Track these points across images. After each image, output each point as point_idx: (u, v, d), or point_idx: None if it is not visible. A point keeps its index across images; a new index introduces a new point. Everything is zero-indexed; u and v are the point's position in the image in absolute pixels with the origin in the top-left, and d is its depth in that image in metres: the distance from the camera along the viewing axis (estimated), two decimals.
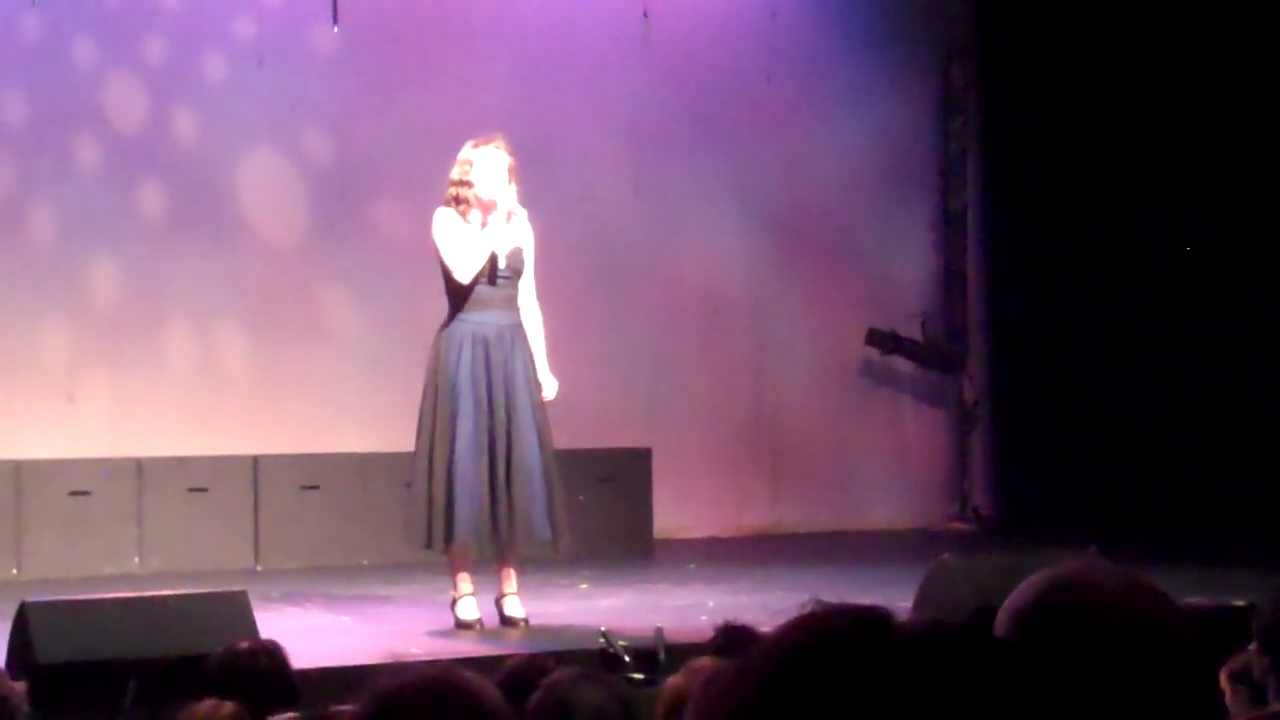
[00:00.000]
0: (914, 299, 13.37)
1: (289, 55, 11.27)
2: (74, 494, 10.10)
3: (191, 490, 10.37)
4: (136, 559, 10.19)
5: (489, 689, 2.29)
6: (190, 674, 4.46)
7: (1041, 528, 11.42)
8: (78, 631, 5.84)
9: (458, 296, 7.44)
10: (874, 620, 1.24)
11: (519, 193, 7.47)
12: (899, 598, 6.94)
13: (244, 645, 4.45)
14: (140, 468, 10.31)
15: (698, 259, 12.53)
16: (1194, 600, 7.10)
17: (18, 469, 10.04)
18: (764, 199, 12.77)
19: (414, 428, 7.52)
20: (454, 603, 7.46)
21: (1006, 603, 1.92)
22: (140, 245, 10.83)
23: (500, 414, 7.36)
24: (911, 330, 13.23)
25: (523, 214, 7.42)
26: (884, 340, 13.08)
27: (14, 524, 9.94)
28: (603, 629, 6.32)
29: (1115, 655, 1.84)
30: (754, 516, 12.61)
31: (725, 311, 12.67)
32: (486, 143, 7.51)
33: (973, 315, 13.56)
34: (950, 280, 13.51)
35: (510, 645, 6.87)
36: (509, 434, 7.36)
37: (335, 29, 11.25)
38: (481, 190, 7.42)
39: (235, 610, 6.02)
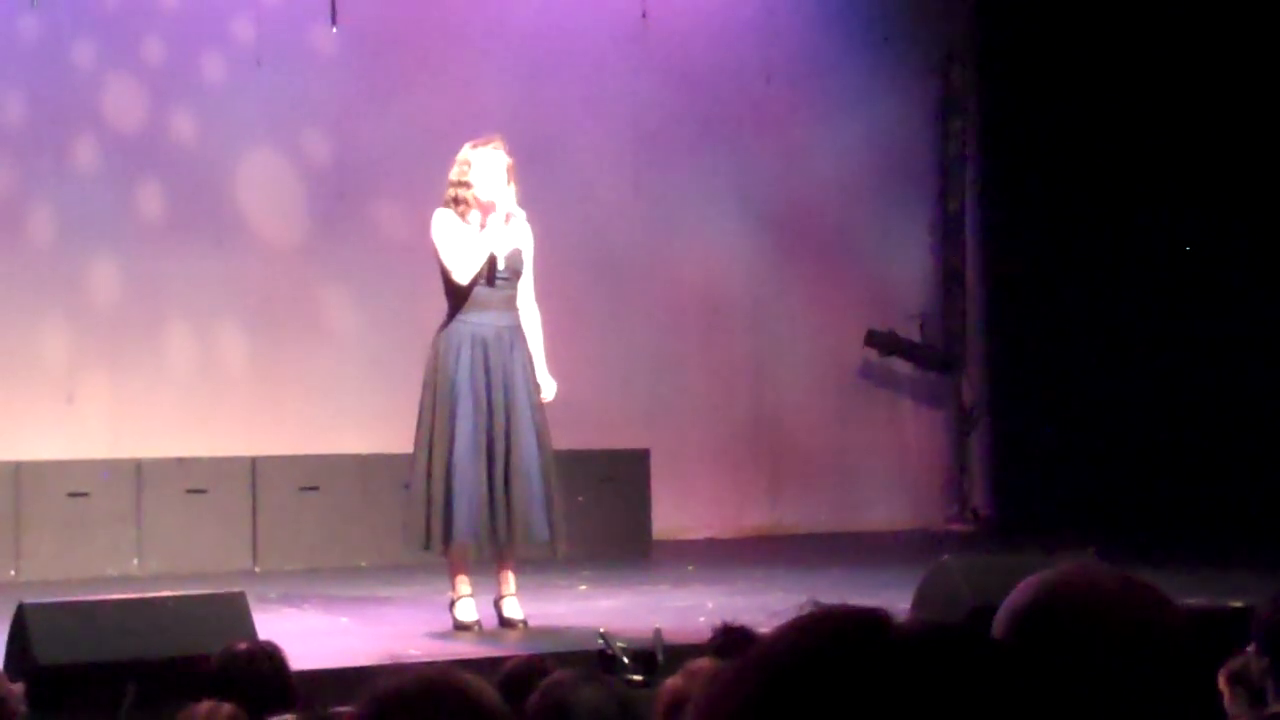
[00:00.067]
0: (913, 300, 13.38)
1: (288, 56, 11.27)
2: (73, 495, 10.10)
3: (190, 491, 10.37)
4: (135, 560, 10.18)
5: (488, 690, 2.29)
6: (189, 675, 4.45)
7: (1040, 529, 11.42)
8: (76, 633, 5.84)
9: (457, 297, 7.44)
10: (872, 621, 1.24)
11: (518, 193, 7.47)
12: (898, 599, 6.94)
13: (243, 647, 4.45)
14: (139, 469, 10.31)
15: (697, 260, 12.54)
16: (1192, 601, 7.10)
17: (17, 470, 10.04)
18: (763, 200, 12.77)
19: (413, 429, 7.52)
20: (453, 604, 7.46)
21: (1005, 603, 1.91)
22: (140, 246, 10.83)
23: (499, 415, 7.35)
24: (911, 331, 13.24)
25: (522, 215, 7.42)
26: (883, 341, 13.09)
27: (13, 525, 9.94)
28: (601, 630, 6.33)
29: (1113, 656, 1.83)
30: (753, 517, 12.62)
31: (724, 312, 12.67)
32: (485, 143, 7.50)
33: (972, 316, 13.57)
34: (949, 281, 13.52)
35: (509, 646, 6.87)
36: (508, 435, 7.36)
37: (334, 30, 11.25)
38: (480, 191, 7.42)
39: (234, 612, 6.01)
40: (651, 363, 12.35)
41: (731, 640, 4.62)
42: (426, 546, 7.43)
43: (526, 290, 7.56)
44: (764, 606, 7.27)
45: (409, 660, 6.48)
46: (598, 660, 6.03)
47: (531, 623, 7.45)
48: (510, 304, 7.50)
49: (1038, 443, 13.04)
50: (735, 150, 12.67)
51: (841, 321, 12.95)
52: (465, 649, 6.88)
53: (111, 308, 10.79)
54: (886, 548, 11.55)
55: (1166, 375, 12.73)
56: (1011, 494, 13.34)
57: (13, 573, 9.89)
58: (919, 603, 6.91)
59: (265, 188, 11.26)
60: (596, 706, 3.44)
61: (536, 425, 7.42)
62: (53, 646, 5.74)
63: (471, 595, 7.44)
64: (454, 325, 7.43)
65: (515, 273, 7.49)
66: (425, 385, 7.48)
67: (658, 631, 6.24)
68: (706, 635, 4.93)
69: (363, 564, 10.36)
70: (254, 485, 10.52)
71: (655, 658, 6.05)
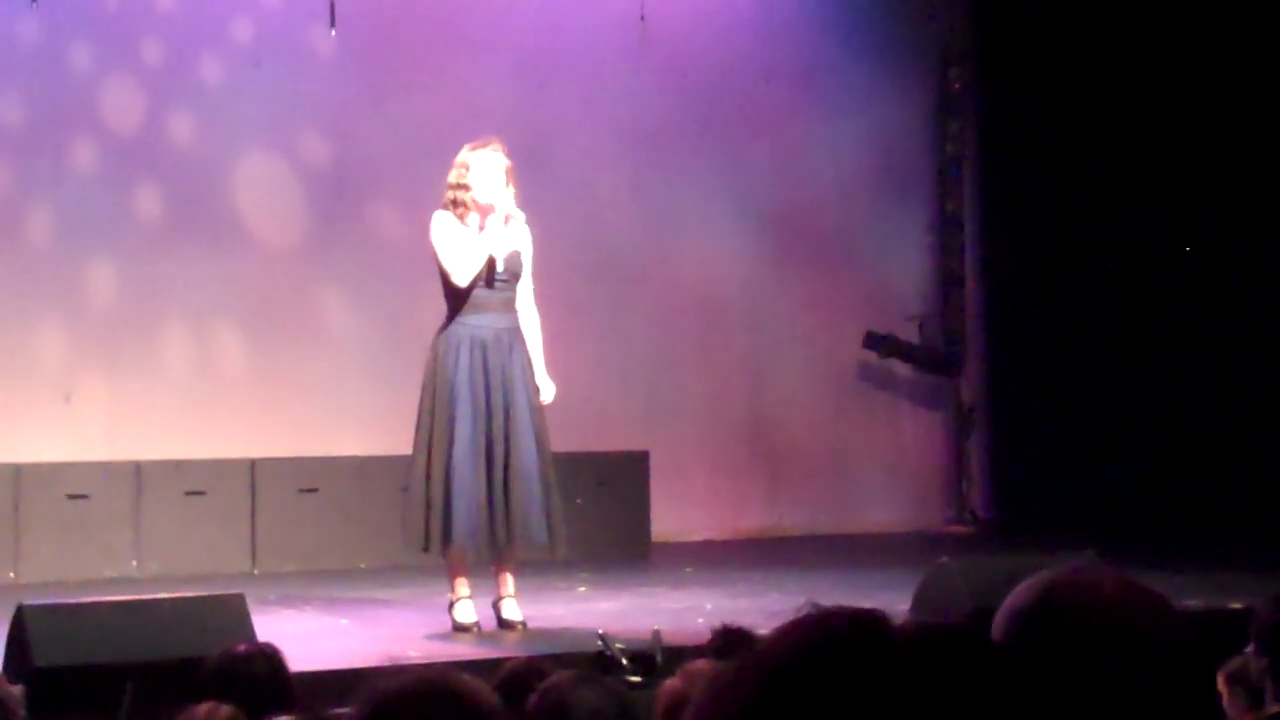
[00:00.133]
0: (911, 302, 13.38)
1: (286, 57, 11.27)
2: (71, 497, 10.09)
3: (189, 493, 10.36)
4: (134, 562, 10.18)
5: (486, 692, 2.29)
6: (187, 677, 4.45)
7: (1039, 530, 11.42)
8: (75, 635, 5.83)
9: (456, 299, 7.44)
10: (870, 623, 1.24)
11: (517, 195, 7.47)
12: (897, 600, 6.94)
13: (241, 648, 4.45)
14: (138, 471, 10.31)
15: (695, 261, 12.54)
16: (1191, 603, 7.11)
17: (16, 472, 10.04)
18: (762, 200, 12.77)
19: (412, 430, 7.52)
20: (451, 605, 7.46)
21: (1004, 605, 1.92)
22: (138, 247, 10.83)
23: (498, 417, 7.35)
24: (909, 333, 13.23)
25: (521, 217, 7.42)
26: (881, 343, 13.08)
27: (11, 527, 9.94)
28: (600, 632, 6.33)
29: (1113, 657, 1.84)
30: (751, 519, 12.61)
31: (723, 314, 12.67)
32: (484, 145, 7.50)
33: (970, 318, 13.56)
34: (947, 283, 13.52)
35: (508, 648, 6.87)
36: (507, 437, 7.36)
37: (332, 32, 11.25)
38: (479, 193, 7.42)
39: (233, 613, 6.01)
40: (650, 364, 12.35)
41: (730, 642, 4.62)
42: (425, 548, 7.43)
43: (525, 292, 7.56)
44: (763, 608, 7.29)
45: (408, 662, 6.48)
46: (596, 662, 6.03)
47: (530, 624, 7.45)
48: (509, 306, 7.50)
49: (1037, 443, 13.04)
50: (733, 151, 12.67)
51: (840, 323, 12.95)
52: (464, 650, 6.87)
53: (110, 309, 10.79)
54: (885, 549, 11.54)
55: (1166, 376, 12.73)
56: (1010, 495, 13.33)
57: (12, 575, 9.88)
58: (918, 604, 6.91)
59: (264, 189, 11.25)
60: (595, 708, 3.44)
61: (535, 427, 7.42)
62: (52, 648, 5.74)
63: (470, 597, 7.44)
64: (453, 327, 7.43)
65: (514, 275, 7.49)
66: (424, 387, 7.48)
67: (656, 633, 6.24)
68: (705, 637, 4.93)
69: (361, 566, 10.36)
70: (253, 487, 10.51)
71: (654, 659, 6.05)
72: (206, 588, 7.51)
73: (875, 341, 13.05)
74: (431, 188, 7.72)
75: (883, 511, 12.99)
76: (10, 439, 10.29)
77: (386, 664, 6.38)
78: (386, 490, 9.91)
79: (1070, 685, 1.81)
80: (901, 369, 13.36)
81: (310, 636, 7.12)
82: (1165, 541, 10.58)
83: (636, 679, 5.81)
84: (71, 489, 10.11)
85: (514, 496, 7.33)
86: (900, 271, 13.41)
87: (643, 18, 12.08)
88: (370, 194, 11.47)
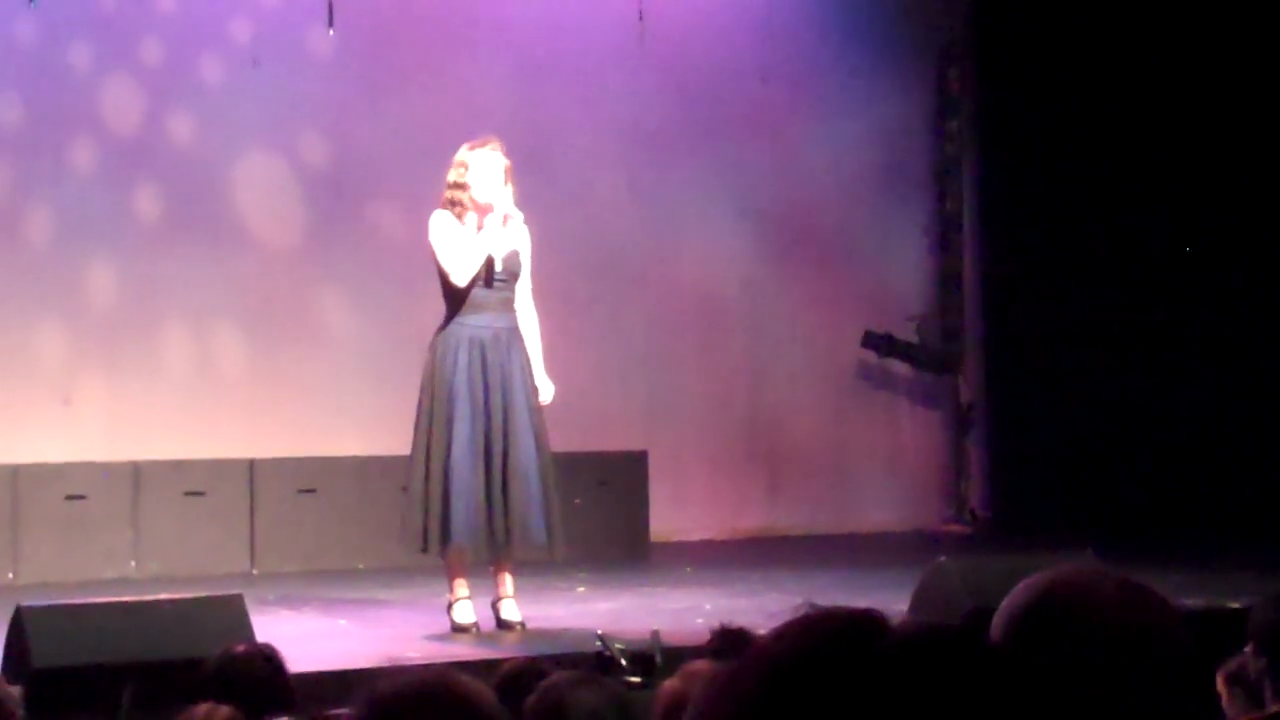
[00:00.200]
0: (910, 301, 13.38)
1: (285, 57, 11.27)
2: (70, 498, 10.09)
3: (188, 494, 10.36)
4: (133, 563, 10.18)
5: (486, 692, 2.29)
6: (186, 678, 4.45)
7: (1038, 530, 11.42)
8: (74, 635, 5.84)
9: (454, 299, 7.43)
10: (869, 623, 1.24)
11: (516, 195, 7.47)
12: (895, 600, 6.95)
13: (240, 649, 4.45)
14: (137, 471, 10.31)
15: (694, 260, 12.54)
16: (1190, 602, 7.11)
17: (14, 473, 10.03)
18: (760, 200, 12.77)
19: (411, 431, 7.51)
20: (450, 606, 7.46)
21: (1003, 605, 1.92)
22: (137, 247, 10.83)
23: (497, 417, 7.35)
24: (908, 333, 13.23)
25: (519, 217, 7.42)
26: (880, 343, 13.08)
27: (10, 528, 9.94)
28: (599, 632, 6.33)
29: (1111, 658, 1.84)
30: (750, 519, 12.61)
31: (722, 313, 12.67)
32: (482, 145, 7.50)
33: (969, 317, 13.56)
34: (946, 282, 13.52)
35: (507, 648, 6.87)
36: (505, 437, 7.36)
37: (331, 32, 11.25)
38: (478, 193, 7.41)
39: (231, 614, 6.02)
40: (650, 364, 12.35)
41: (729, 642, 4.62)
42: (424, 549, 7.43)
43: (524, 292, 7.56)
44: (762, 608, 7.29)
45: (407, 662, 6.48)
46: (595, 662, 6.04)
47: (529, 625, 7.45)
48: (508, 306, 7.50)
49: (1036, 442, 13.04)
50: (732, 151, 12.67)
51: (839, 322, 12.95)
52: (463, 651, 6.88)
53: (109, 309, 10.78)
54: (884, 549, 11.55)
55: (1165, 376, 12.72)
56: (1009, 495, 13.33)
57: (10, 575, 9.88)
58: (916, 604, 6.91)
59: (263, 189, 11.25)
60: (594, 708, 3.44)
61: (534, 427, 7.42)
62: (51, 649, 5.74)
63: (469, 597, 7.44)
64: (452, 327, 7.43)
65: (513, 274, 7.48)
66: (423, 387, 7.48)
67: (655, 633, 6.24)
68: (704, 637, 4.93)
69: (360, 566, 10.36)
70: (252, 487, 10.51)
71: (653, 659, 6.05)
72: (205, 588, 7.51)
73: (874, 341, 13.05)
74: (431, 187, 7.72)
75: (881, 511, 12.99)
76: (9, 439, 10.29)
77: (385, 665, 6.38)
78: (386, 490, 9.91)
79: (1069, 685, 1.81)
80: (900, 368, 13.36)
81: (309, 637, 7.12)
82: (1164, 541, 10.58)
83: (635, 679, 5.81)
84: (70, 489, 10.10)
85: (513, 497, 7.32)
86: (899, 271, 13.41)
87: (641, 18, 12.07)
88: (370, 194, 11.47)
